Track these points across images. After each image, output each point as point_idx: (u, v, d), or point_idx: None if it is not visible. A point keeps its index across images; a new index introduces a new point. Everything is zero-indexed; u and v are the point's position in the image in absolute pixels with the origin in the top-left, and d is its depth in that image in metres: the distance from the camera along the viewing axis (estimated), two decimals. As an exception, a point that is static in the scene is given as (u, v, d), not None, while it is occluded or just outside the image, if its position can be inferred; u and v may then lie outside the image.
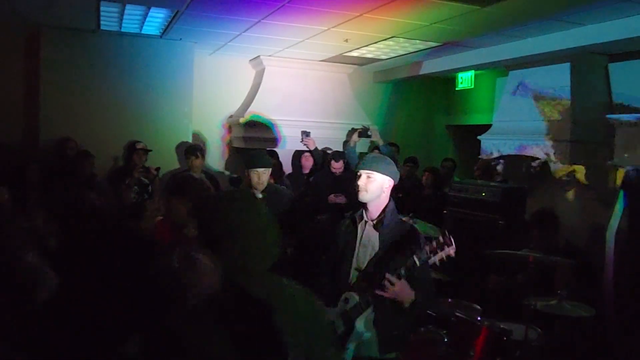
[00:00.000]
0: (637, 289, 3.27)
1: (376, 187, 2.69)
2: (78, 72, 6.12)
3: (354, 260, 2.71)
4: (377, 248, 2.68)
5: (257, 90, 7.00)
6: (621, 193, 3.55)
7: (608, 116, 5.14)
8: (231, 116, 7.18)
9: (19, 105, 6.24)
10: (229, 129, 7.29)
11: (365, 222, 2.76)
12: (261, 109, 6.80)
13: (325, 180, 5.81)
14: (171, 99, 6.51)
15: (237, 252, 1.62)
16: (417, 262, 2.51)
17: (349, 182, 5.29)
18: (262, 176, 3.87)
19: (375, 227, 2.71)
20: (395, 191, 6.25)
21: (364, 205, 2.76)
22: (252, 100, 6.91)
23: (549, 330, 3.10)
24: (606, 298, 3.40)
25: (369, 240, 2.71)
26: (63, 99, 6.06)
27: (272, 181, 4.88)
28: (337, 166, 5.79)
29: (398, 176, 2.83)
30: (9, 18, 5.68)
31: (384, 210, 2.73)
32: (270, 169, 4.02)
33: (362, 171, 2.71)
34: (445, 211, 5.41)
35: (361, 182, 2.68)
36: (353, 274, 2.68)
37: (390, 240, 2.67)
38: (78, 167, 5.36)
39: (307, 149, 6.53)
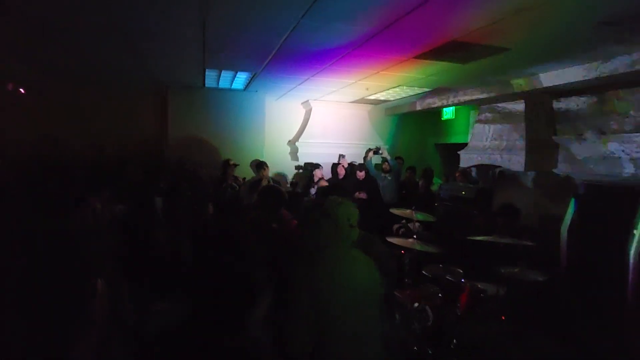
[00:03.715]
0: (582, 264, 3.12)
1: None
2: (191, 115, 6.26)
3: None
4: None
5: (307, 123, 7.02)
6: (572, 200, 3.36)
7: (553, 137, 4.92)
8: (289, 141, 7.22)
9: (153, 139, 6.46)
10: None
11: None
12: (309, 135, 6.80)
13: (352, 183, 5.78)
14: (250, 131, 6.57)
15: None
16: None
17: (367, 185, 5.74)
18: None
19: None
20: (399, 190, 6.20)
21: None
22: (304, 130, 6.93)
23: (513, 288, 2.99)
24: (561, 269, 3.25)
25: None
26: (182, 134, 6.22)
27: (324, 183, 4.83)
28: (360, 174, 5.86)
29: None
30: (147, 81, 5.91)
31: None
32: None
33: None
34: (436, 204, 5.33)
35: None
36: None
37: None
38: (198, 179, 5.41)
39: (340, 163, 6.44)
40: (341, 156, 6.35)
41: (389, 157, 6.14)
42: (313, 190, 5.07)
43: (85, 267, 1.67)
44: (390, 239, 3.28)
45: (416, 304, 2.82)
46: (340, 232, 1.62)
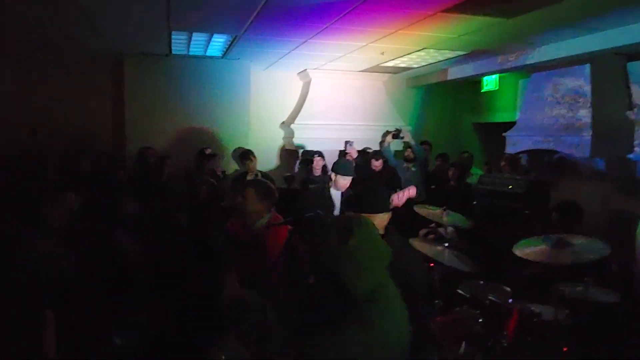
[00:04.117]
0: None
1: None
2: (155, 91, 6.27)
3: None
4: None
5: (305, 99, 7.01)
6: None
7: (627, 112, 4.88)
8: (283, 122, 7.21)
9: (109, 121, 6.48)
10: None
11: None
12: (309, 115, 6.79)
13: (367, 178, 5.58)
14: (232, 110, 6.57)
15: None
16: None
17: (385, 178, 5.65)
18: (349, 182, 3.73)
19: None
20: (427, 183, 6.18)
21: None
22: (301, 108, 6.92)
23: (576, 313, 2.95)
24: (636, 286, 3.23)
25: None
26: (144, 114, 6.23)
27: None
28: (377, 164, 5.79)
29: None
30: (97, 49, 5.90)
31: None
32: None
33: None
34: (474, 202, 5.33)
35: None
36: None
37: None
38: (158, 169, 5.49)
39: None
40: (348, 143, 6.36)
41: (412, 142, 6.18)
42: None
43: (34, 296, 1.76)
44: (414, 242, 3.26)
45: (462, 349, 2.71)
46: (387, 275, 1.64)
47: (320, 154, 6.08)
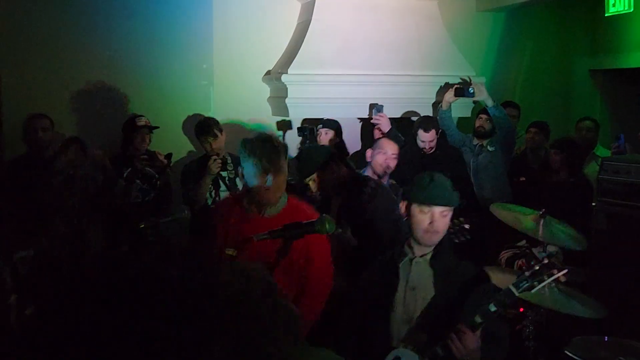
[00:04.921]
0: None
1: (448, 222, 2.89)
2: (47, 18, 6.13)
3: (401, 309, 2.88)
4: (431, 291, 2.84)
5: (305, 32, 6.75)
6: None
7: None
8: (269, 72, 6.99)
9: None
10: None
11: (411, 259, 2.88)
12: (311, 60, 6.55)
13: (411, 162, 5.71)
14: (182, 52, 6.57)
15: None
16: (494, 307, 2.59)
17: (443, 163, 5.69)
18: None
19: (431, 264, 2.88)
20: (516, 174, 6.13)
21: (407, 239, 2.92)
22: (298, 49, 6.67)
23: None
24: None
25: (419, 282, 2.85)
26: (31, 63, 6.11)
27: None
28: (426, 138, 5.78)
29: None
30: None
31: (440, 242, 2.87)
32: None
33: (436, 208, 2.78)
34: (594, 204, 5.19)
35: (438, 223, 2.79)
36: (401, 328, 2.86)
37: (449, 279, 2.86)
38: (58, 152, 5.44)
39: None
40: (374, 108, 6.29)
41: (489, 103, 6.12)
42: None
43: None
44: (492, 277, 3.42)
45: None
46: None
47: (330, 123, 6.17)
